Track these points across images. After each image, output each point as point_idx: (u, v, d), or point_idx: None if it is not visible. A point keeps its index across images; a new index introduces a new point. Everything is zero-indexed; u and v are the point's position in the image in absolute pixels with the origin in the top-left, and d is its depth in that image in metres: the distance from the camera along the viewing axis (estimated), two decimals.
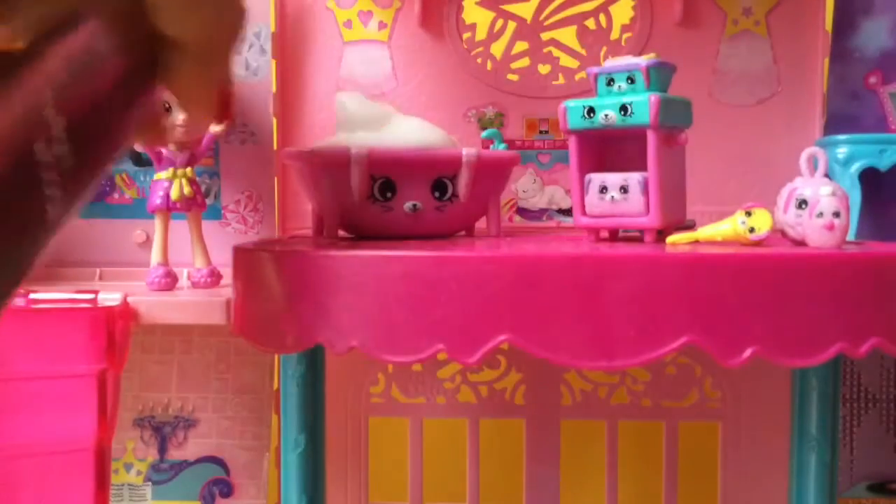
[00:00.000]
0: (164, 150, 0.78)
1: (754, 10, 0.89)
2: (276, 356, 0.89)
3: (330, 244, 0.59)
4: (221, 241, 0.84)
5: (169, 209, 0.78)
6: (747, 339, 0.47)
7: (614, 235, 0.64)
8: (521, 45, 0.91)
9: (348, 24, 0.90)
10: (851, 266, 0.48)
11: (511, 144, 0.90)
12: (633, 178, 0.59)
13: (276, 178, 0.89)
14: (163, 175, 0.78)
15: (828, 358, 0.47)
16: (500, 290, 0.47)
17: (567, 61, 0.91)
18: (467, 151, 0.65)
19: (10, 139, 0.25)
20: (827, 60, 0.88)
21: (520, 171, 0.90)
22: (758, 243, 0.55)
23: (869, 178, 0.80)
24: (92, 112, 0.27)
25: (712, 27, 0.90)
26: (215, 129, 0.79)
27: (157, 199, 0.78)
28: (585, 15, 0.90)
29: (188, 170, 0.78)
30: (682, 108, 0.62)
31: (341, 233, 0.66)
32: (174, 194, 0.77)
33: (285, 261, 0.52)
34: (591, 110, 0.60)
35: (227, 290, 0.77)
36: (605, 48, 0.90)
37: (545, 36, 0.91)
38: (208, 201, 0.85)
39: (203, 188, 0.83)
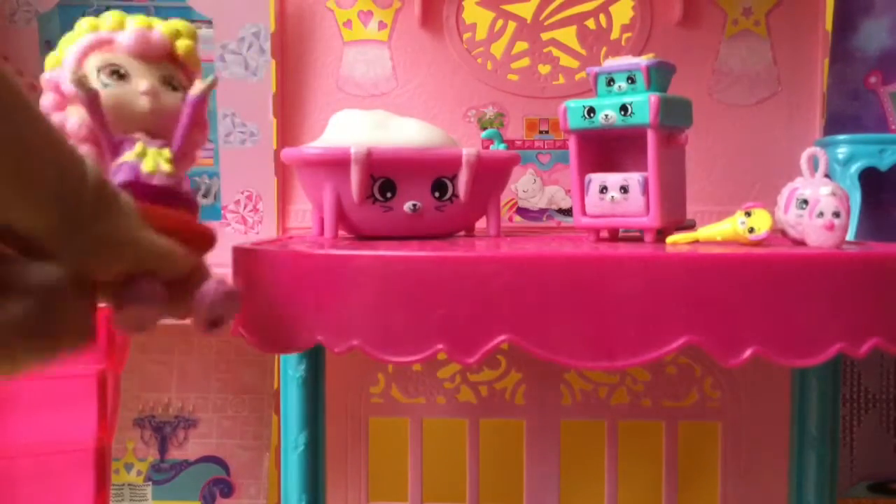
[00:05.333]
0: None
1: (754, 10, 0.89)
2: (276, 356, 0.89)
3: (330, 244, 0.59)
4: (221, 241, 0.83)
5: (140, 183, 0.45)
6: (747, 339, 0.47)
7: (614, 235, 0.64)
8: (521, 45, 0.91)
9: (348, 24, 0.90)
10: (851, 266, 0.48)
11: (511, 144, 0.90)
12: (633, 178, 0.59)
13: (276, 178, 0.89)
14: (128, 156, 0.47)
15: (828, 358, 0.47)
16: (500, 290, 0.47)
17: (567, 61, 0.91)
18: (467, 151, 0.65)
19: None
20: (827, 60, 0.88)
21: (520, 171, 0.90)
22: (758, 243, 0.55)
23: (869, 178, 0.80)
24: None
25: (712, 27, 0.90)
26: (196, 89, 0.48)
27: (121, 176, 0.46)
28: (585, 15, 0.90)
29: (165, 150, 0.47)
30: (682, 108, 0.62)
31: (341, 233, 0.66)
32: (147, 166, 0.46)
33: (285, 261, 0.52)
34: (592, 110, 0.60)
35: None
36: (605, 48, 0.90)
37: (545, 36, 0.91)
38: (208, 201, 0.84)
39: (203, 188, 0.83)
